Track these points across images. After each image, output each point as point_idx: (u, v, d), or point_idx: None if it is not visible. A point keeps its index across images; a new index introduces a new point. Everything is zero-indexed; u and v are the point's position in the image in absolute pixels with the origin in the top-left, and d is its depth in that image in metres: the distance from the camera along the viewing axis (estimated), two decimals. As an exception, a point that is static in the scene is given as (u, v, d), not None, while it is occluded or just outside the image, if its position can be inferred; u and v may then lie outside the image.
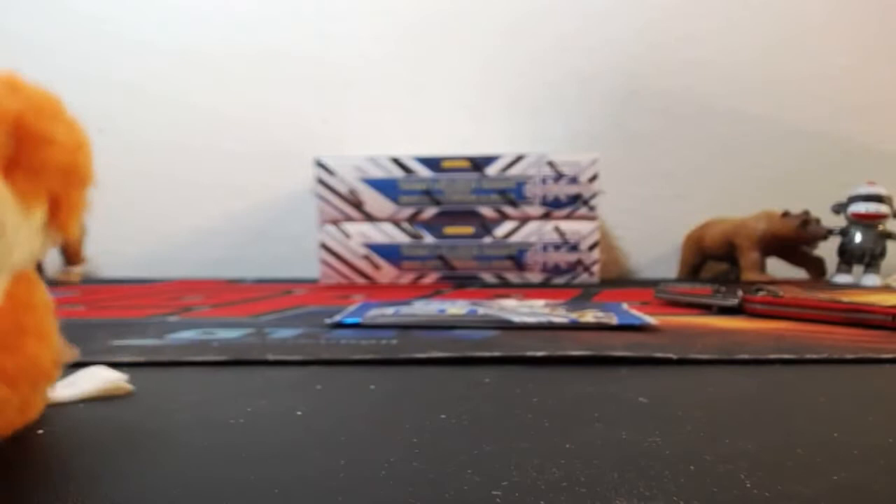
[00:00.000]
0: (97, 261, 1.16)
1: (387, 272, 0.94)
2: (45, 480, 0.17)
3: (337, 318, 0.47)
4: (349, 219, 0.95)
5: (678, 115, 1.14)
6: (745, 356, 0.34)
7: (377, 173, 0.94)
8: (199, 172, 1.19)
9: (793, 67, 1.12)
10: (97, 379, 0.27)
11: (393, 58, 1.16)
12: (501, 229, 0.93)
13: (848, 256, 0.90)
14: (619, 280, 1.07)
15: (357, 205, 0.94)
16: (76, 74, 1.20)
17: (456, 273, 0.94)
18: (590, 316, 0.46)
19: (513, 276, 0.94)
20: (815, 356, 0.34)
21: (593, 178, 0.93)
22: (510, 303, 0.55)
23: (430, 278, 0.94)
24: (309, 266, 1.03)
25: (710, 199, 1.10)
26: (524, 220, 0.94)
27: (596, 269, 0.94)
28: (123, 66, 1.20)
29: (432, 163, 0.94)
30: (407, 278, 0.94)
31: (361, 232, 0.94)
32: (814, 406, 0.25)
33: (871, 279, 0.88)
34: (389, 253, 0.94)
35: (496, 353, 0.34)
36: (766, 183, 1.12)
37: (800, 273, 0.96)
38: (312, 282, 0.97)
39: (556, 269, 0.93)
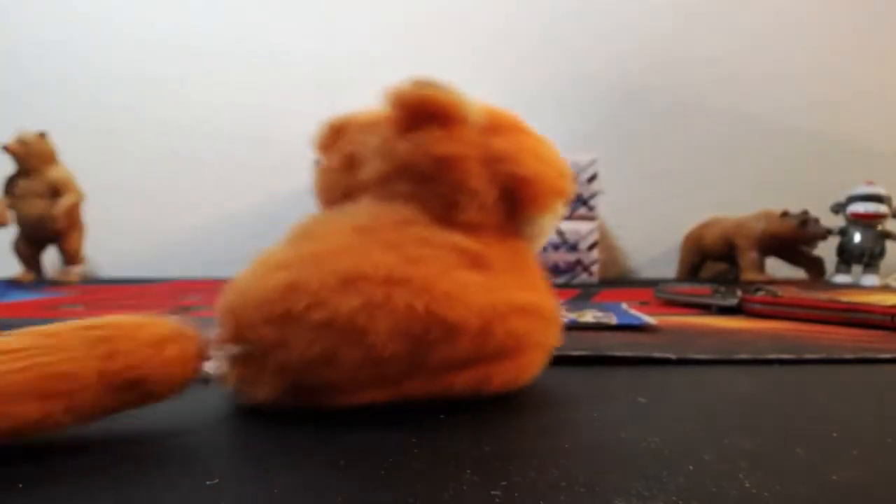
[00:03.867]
0: (96, 260, 1.16)
1: (386, 272, 0.94)
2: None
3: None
4: (348, 219, 0.95)
5: (677, 114, 1.14)
6: (745, 356, 0.34)
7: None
8: (198, 172, 1.19)
9: (793, 67, 1.12)
10: None
11: (392, 58, 1.16)
12: (501, 229, 0.93)
13: (847, 256, 0.90)
14: (618, 280, 1.07)
15: (356, 205, 0.94)
16: (77, 75, 1.20)
17: (455, 273, 0.94)
18: (589, 316, 0.46)
19: (512, 276, 0.94)
20: (814, 356, 0.34)
21: (592, 178, 0.93)
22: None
23: (430, 278, 0.94)
24: (308, 266, 1.03)
25: (710, 199, 1.10)
26: (523, 220, 0.94)
27: (595, 268, 0.94)
28: (123, 67, 1.20)
29: (432, 163, 0.93)
30: (406, 278, 0.94)
31: (361, 232, 0.94)
32: (813, 406, 0.25)
33: (870, 279, 0.88)
34: (389, 253, 0.94)
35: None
36: (766, 183, 1.12)
37: (799, 273, 0.96)
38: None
39: (556, 269, 0.93)
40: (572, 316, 0.46)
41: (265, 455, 0.19)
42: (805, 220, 0.89)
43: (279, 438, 0.21)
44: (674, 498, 0.15)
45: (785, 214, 0.91)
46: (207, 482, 0.17)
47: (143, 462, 0.18)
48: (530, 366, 0.25)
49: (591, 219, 0.94)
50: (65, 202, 0.98)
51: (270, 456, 0.19)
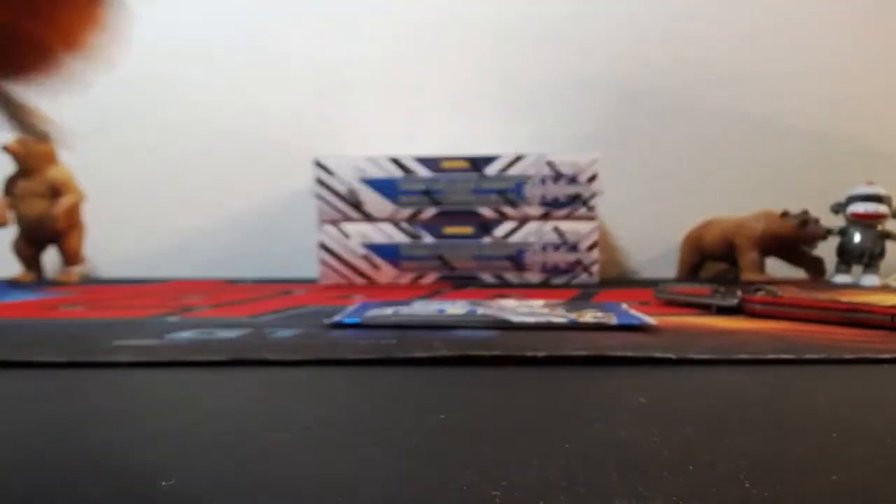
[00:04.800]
0: (97, 261, 1.16)
1: (386, 272, 0.94)
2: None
3: (336, 318, 0.47)
4: (348, 219, 0.95)
5: (677, 114, 1.14)
6: (745, 356, 0.34)
7: (376, 173, 0.94)
8: (198, 173, 1.19)
9: (792, 66, 1.12)
10: None
11: (392, 59, 1.16)
12: (501, 229, 0.93)
13: (847, 256, 0.90)
14: (618, 280, 1.07)
15: (356, 205, 0.94)
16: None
17: (455, 273, 0.94)
18: (589, 316, 0.46)
19: (512, 277, 0.94)
20: (814, 356, 0.34)
21: (592, 179, 0.93)
22: (509, 303, 0.55)
23: (430, 278, 0.94)
24: (308, 266, 1.03)
25: (710, 199, 1.10)
26: (523, 221, 0.94)
27: (595, 269, 0.94)
28: (123, 66, 1.20)
29: (431, 163, 0.94)
30: (406, 278, 0.94)
31: (361, 232, 0.94)
32: (813, 406, 0.25)
33: (870, 279, 0.88)
34: (389, 253, 0.94)
35: (496, 353, 0.34)
36: (766, 183, 1.12)
37: (799, 273, 0.96)
38: (312, 282, 0.97)
39: (556, 269, 0.93)
40: (572, 316, 0.46)
41: (262, 458, 0.19)
42: (805, 220, 0.89)
43: (282, 441, 0.21)
44: (674, 498, 0.15)
45: (785, 214, 0.91)
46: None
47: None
48: None
49: (591, 219, 0.94)
50: (65, 202, 0.98)
51: (269, 457, 0.19)
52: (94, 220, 1.07)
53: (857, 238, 0.89)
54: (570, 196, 0.93)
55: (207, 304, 0.64)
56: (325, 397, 0.28)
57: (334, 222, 0.95)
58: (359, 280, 0.95)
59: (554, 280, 0.94)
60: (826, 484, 0.16)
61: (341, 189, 0.94)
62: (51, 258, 1.06)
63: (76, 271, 1.03)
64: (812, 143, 1.12)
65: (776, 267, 0.96)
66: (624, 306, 0.52)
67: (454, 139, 1.12)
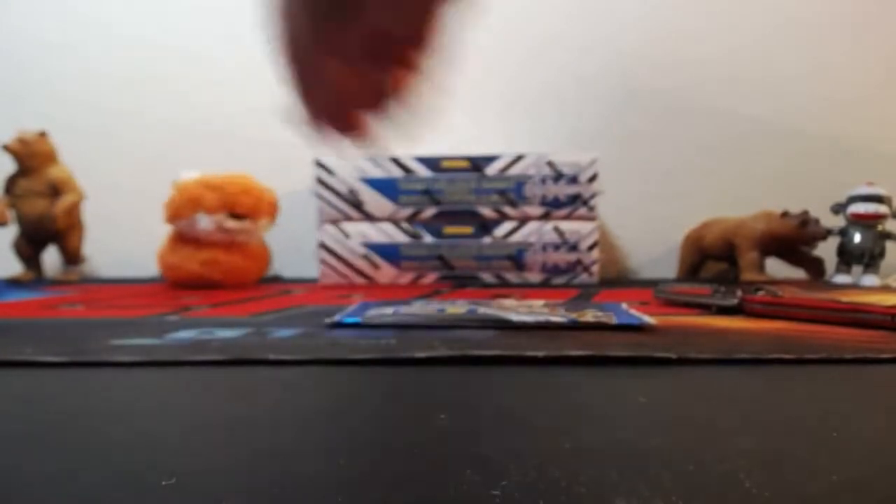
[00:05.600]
0: (96, 260, 1.16)
1: (386, 272, 0.94)
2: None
3: (336, 317, 0.47)
4: (349, 218, 0.95)
5: (677, 114, 1.14)
6: (745, 356, 0.34)
7: (377, 173, 0.94)
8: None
9: (792, 67, 1.12)
10: None
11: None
12: (501, 229, 0.93)
13: (847, 256, 0.90)
14: (618, 280, 1.07)
15: (357, 205, 0.94)
16: (77, 73, 1.20)
17: (455, 273, 0.94)
18: (589, 316, 0.46)
19: (512, 276, 0.94)
20: (814, 356, 0.34)
21: (592, 178, 0.93)
22: (510, 302, 0.55)
23: (430, 278, 0.94)
24: (308, 266, 1.03)
25: (710, 199, 1.10)
26: (523, 220, 0.94)
27: (595, 268, 0.94)
28: (124, 66, 1.20)
29: (432, 163, 0.94)
30: (406, 278, 0.94)
31: (361, 232, 0.94)
32: (813, 406, 0.25)
33: (869, 279, 0.88)
34: (389, 253, 0.94)
35: (496, 353, 0.34)
36: (766, 183, 1.12)
37: (799, 273, 0.96)
38: (312, 281, 0.97)
39: (556, 269, 0.93)
40: (572, 316, 0.46)
41: (261, 458, 0.19)
42: (805, 220, 0.89)
43: (279, 438, 0.21)
44: (674, 498, 0.15)
45: (785, 215, 0.91)
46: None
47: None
48: None
49: (591, 219, 0.94)
50: (65, 201, 0.98)
51: (269, 457, 0.19)
52: (94, 220, 1.07)
53: (857, 238, 0.89)
54: (570, 196, 0.93)
55: (207, 304, 0.64)
56: (324, 397, 0.28)
57: (334, 222, 0.95)
58: (359, 280, 0.95)
59: (554, 280, 0.94)
60: (826, 484, 0.16)
61: (342, 189, 0.94)
62: (51, 257, 1.06)
63: (76, 270, 1.03)
64: (812, 143, 1.12)
65: (776, 267, 0.96)
66: (624, 306, 0.52)
67: (454, 139, 1.12)
